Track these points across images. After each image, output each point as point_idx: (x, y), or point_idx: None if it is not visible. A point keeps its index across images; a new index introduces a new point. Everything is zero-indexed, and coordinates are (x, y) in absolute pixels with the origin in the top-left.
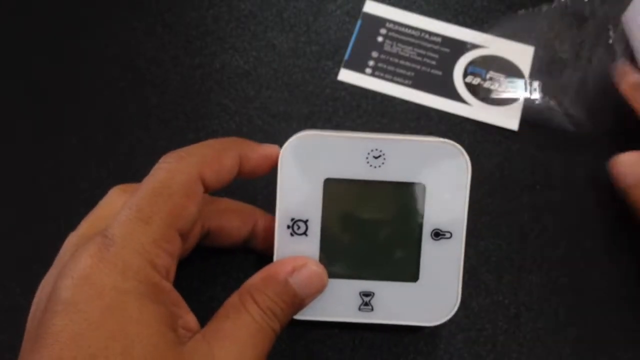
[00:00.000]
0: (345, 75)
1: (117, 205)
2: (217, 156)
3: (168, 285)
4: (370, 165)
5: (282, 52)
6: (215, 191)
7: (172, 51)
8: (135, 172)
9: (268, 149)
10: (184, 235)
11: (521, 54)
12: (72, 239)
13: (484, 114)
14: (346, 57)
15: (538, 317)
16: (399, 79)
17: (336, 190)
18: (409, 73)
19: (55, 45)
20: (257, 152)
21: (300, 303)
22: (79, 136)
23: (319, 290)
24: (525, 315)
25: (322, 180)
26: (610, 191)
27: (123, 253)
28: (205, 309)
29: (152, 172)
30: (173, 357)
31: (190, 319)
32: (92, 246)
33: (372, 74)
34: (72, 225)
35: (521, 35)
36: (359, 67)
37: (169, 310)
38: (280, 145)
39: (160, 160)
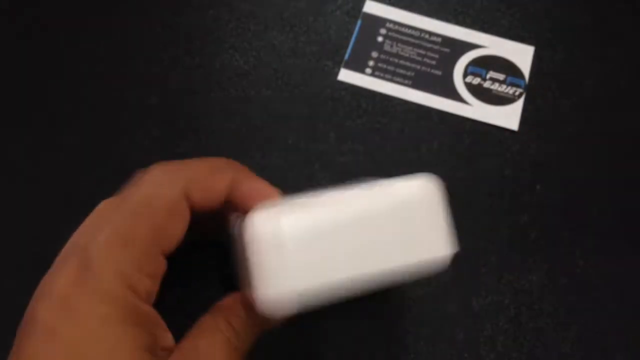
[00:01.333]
0: (345, 75)
1: (161, 182)
2: (208, 175)
3: (148, 308)
4: None
5: (282, 52)
6: (203, 214)
7: (172, 51)
8: (135, 173)
9: (265, 189)
10: (167, 254)
11: (521, 54)
12: (107, 204)
13: (484, 114)
14: (346, 57)
15: (538, 317)
16: (399, 79)
17: None
18: (409, 73)
19: (55, 45)
20: (252, 185)
21: (271, 322)
22: (79, 136)
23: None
24: (526, 315)
25: None
26: (610, 191)
27: (101, 277)
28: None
29: (137, 182)
30: None
31: (168, 337)
32: (71, 266)
33: (372, 74)
34: (72, 225)
35: (521, 35)
36: (359, 67)
37: (148, 333)
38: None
39: (147, 171)
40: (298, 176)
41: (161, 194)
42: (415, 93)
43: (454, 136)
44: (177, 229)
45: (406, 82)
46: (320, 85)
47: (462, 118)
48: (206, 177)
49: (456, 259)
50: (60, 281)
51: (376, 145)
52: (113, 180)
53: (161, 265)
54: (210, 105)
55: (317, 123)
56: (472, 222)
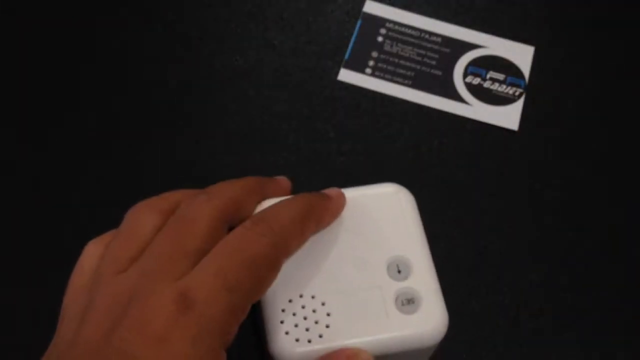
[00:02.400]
0: (345, 75)
1: (147, 229)
2: (245, 197)
3: (224, 355)
4: None
5: (282, 52)
6: None
7: (172, 51)
8: (135, 173)
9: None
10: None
11: (521, 54)
12: (97, 251)
13: (484, 114)
14: (346, 57)
15: (538, 317)
16: (399, 79)
17: None
18: (409, 73)
19: (55, 45)
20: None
21: None
22: (79, 136)
23: None
24: (526, 315)
25: None
26: (610, 191)
27: (201, 320)
28: None
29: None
30: None
31: None
32: (170, 304)
33: (372, 74)
34: (72, 224)
35: (521, 35)
36: (359, 67)
37: None
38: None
39: (200, 205)
40: (298, 176)
41: (255, 247)
42: (415, 93)
43: (454, 136)
44: (272, 280)
45: (406, 82)
46: (320, 85)
47: (462, 118)
48: (244, 199)
49: (456, 259)
50: (157, 319)
51: (376, 145)
52: (113, 180)
53: (247, 313)
54: (210, 105)
55: (317, 123)
56: (472, 221)
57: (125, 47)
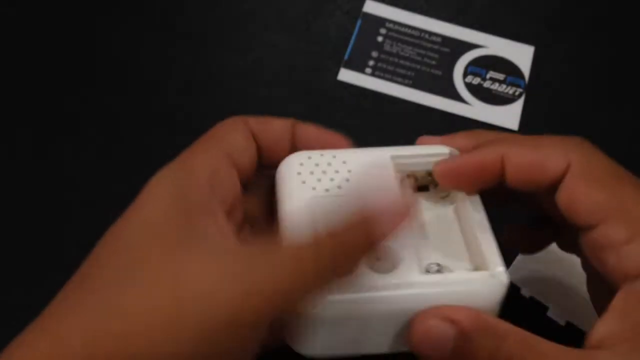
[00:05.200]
0: (345, 75)
1: (240, 141)
2: (266, 119)
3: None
4: None
5: (282, 52)
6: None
7: (172, 51)
8: (135, 173)
9: (281, 123)
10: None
11: (521, 54)
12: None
13: (484, 114)
14: (346, 57)
15: (538, 316)
16: (399, 79)
17: None
18: (409, 73)
19: (55, 45)
20: (315, 130)
21: None
22: (78, 136)
23: None
24: (526, 315)
25: None
26: None
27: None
28: None
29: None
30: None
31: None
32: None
33: (372, 74)
34: (72, 224)
35: (521, 35)
36: (359, 67)
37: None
38: None
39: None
40: None
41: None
42: (415, 93)
43: None
44: (232, 188)
45: (406, 82)
46: (320, 85)
47: (462, 118)
48: (265, 119)
49: None
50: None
51: (376, 145)
52: (113, 180)
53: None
54: (210, 105)
55: (317, 123)
56: None
57: (125, 47)
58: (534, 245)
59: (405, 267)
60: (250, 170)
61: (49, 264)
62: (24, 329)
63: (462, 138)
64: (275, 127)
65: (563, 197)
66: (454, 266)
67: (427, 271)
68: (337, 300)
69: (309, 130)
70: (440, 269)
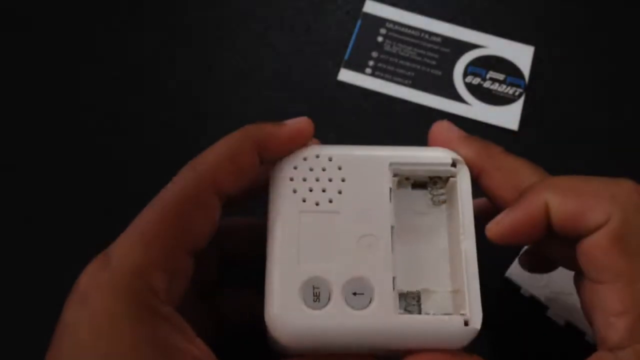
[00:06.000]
0: (345, 75)
1: (184, 176)
2: (231, 156)
3: (168, 310)
4: None
5: (282, 52)
6: (242, 198)
7: (172, 51)
8: (135, 173)
9: (295, 125)
10: (195, 252)
11: (521, 54)
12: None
13: (484, 114)
14: (346, 57)
15: (538, 317)
16: (399, 79)
17: None
18: (409, 73)
19: (55, 45)
20: (280, 135)
21: None
22: (78, 137)
23: None
24: (526, 315)
25: None
26: None
27: (117, 274)
28: None
29: (165, 187)
30: None
31: (194, 348)
32: (93, 264)
33: (372, 74)
34: (72, 226)
35: (521, 35)
36: (359, 67)
37: (166, 335)
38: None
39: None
40: None
41: (186, 191)
42: (415, 93)
43: None
44: (203, 226)
45: (406, 82)
46: (320, 85)
47: (462, 118)
48: (230, 158)
49: None
50: (81, 279)
51: (376, 145)
52: (112, 181)
53: (187, 265)
54: (210, 105)
55: (317, 123)
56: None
57: (125, 47)
58: (549, 266)
59: (381, 303)
60: (237, 186)
61: (49, 264)
62: (24, 328)
63: (475, 151)
64: (245, 170)
65: (585, 247)
66: (435, 287)
67: (405, 302)
68: (308, 333)
69: (272, 146)
70: (419, 298)
